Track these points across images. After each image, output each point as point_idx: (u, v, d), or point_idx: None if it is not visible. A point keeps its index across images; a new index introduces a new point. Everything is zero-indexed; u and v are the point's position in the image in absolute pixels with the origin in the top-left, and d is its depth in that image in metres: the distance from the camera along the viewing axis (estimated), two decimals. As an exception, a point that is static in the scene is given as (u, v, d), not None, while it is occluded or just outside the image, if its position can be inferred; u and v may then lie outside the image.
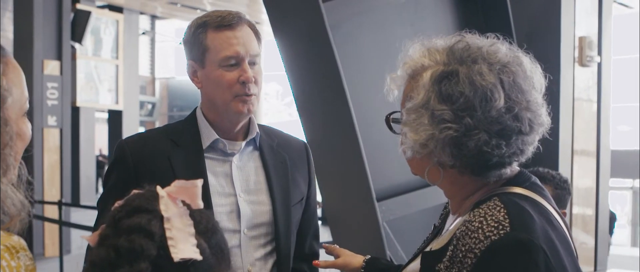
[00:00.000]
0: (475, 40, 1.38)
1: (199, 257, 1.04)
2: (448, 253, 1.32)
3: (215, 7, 17.49)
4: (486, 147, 1.31)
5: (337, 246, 1.92)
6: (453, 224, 1.43)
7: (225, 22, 1.80)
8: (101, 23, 14.52)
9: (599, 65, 3.85)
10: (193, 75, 1.88)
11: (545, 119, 1.37)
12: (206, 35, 1.80)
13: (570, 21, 3.64)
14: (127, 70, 15.82)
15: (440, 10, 3.49)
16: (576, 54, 3.68)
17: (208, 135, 1.87)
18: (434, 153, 1.35)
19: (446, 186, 1.43)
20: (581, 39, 3.69)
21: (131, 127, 16.42)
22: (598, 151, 3.95)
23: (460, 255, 1.28)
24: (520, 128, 1.32)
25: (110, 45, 15.05)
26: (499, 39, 1.41)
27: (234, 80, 1.79)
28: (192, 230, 1.07)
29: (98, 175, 17.68)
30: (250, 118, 1.91)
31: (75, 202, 12.24)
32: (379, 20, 3.20)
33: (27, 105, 1.16)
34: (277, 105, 27.76)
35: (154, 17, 20.89)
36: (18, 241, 1.06)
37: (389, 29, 3.24)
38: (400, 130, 1.43)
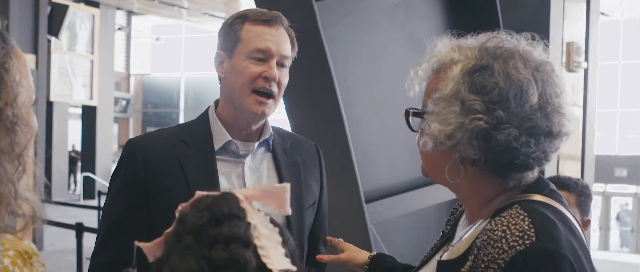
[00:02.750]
0: (508, 38, 1.35)
1: (293, 267, 0.97)
2: (468, 263, 1.28)
3: (192, 3, 17.38)
4: (515, 143, 1.27)
5: (342, 240, 1.88)
6: (468, 231, 1.39)
7: (264, 17, 1.77)
8: (77, 17, 14.35)
9: (586, 70, 3.87)
10: (219, 65, 1.83)
11: (570, 127, 1.34)
12: (242, 27, 1.77)
13: (558, 27, 3.66)
14: (102, 66, 15.66)
15: (430, 12, 3.48)
16: (564, 60, 3.70)
17: (220, 136, 1.82)
18: (458, 146, 1.30)
19: (464, 186, 1.38)
20: (569, 44, 3.72)
21: (105, 123, 16.25)
22: (583, 155, 3.98)
23: (482, 265, 1.24)
24: (550, 129, 1.29)
25: (86, 40, 14.89)
26: (534, 38, 1.38)
27: (257, 74, 1.75)
28: (279, 238, 0.99)
29: (70, 171, 17.46)
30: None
31: (47, 198, 12.05)
32: (371, 21, 3.18)
33: (34, 96, 1.10)
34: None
35: (130, 13, 20.70)
36: (29, 245, 1.00)
37: (380, 30, 3.23)
38: (420, 126, 1.40)
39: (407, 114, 1.43)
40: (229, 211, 0.97)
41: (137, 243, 1.02)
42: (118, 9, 18.53)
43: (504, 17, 3.51)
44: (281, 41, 1.77)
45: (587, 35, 3.89)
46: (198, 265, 0.92)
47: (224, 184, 1.79)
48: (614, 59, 17.39)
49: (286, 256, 0.97)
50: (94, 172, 16.04)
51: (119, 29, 19.84)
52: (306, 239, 1.91)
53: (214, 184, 1.75)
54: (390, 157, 3.25)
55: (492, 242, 1.23)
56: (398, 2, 3.28)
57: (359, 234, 3.01)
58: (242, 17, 1.78)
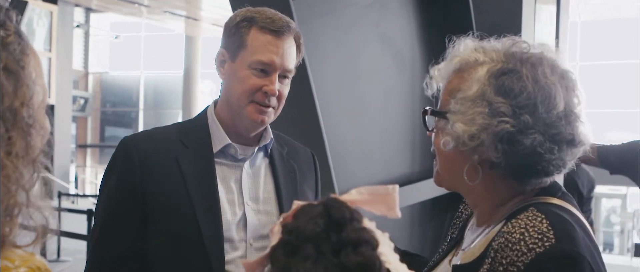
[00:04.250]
0: (533, 45, 1.38)
1: None
2: (485, 266, 1.28)
3: (152, 0, 17.17)
4: (540, 148, 1.28)
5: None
6: (481, 235, 1.39)
7: (273, 26, 1.71)
8: (35, 14, 14.06)
9: (556, 72, 3.91)
10: (220, 65, 1.78)
11: (590, 137, 1.36)
12: (249, 31, 1.71)
13: (530, 27, 3.69)
14: (60, 64, 15.37)
15: (404, 12, 3.49)
16: (534, 60, 3.73)
17: (220, 138, 1.77)
18: (481, 147, 1.30)
19: (479, 189, 1.38)
20: (539, 45, 3.74)
21: (63, 122, 15.95)
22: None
23: (501, 268, 1.24)
24: (573, 137, 1.31)
25: (44, 37, 14.59)
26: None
27: (257, 87, 1.70)
28: (392, 243, 0.94)
29: (26, 171, 17.09)
30: None
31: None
32: (346, 20, 3.17)
33: (48, 97, 1.02)
34: (210, 103, 27.52)
35: (89, 10, 20.35)
36: (41, 262, 0.91)
37: (355, 29, 3.22)
38: (436, 125, 1.39)
39: (424, 112, 1.42)
40: (350, 215, 0.92)
41: (242, 261, 0.96)
42: (76, 5, 18.19)
43: (477, 17, 3.53)
44: (286, 54, 1.72)
45: (557, 37, 3.94)
46: None
47: (222, 189, 1.74)
48: (572, 60, 17.81)
49: (400, 261, 0.94)
50: (51, 173, 15.71)
51: (78, 26, 19.48)
52: None
53: (212, 188, 1.72)
54: (365, 156, 3.24)
55: (510, 245, 1.23)
56: (372, 1, 3.28)
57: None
58: (250, 20, 1.72)
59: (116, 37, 21.33)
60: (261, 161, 1.84)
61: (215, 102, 1.84)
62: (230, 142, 1.76)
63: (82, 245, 7.94)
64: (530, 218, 1.26)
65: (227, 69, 1.75)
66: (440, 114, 1.38)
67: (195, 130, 1.79)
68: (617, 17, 15.95)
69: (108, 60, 23.15)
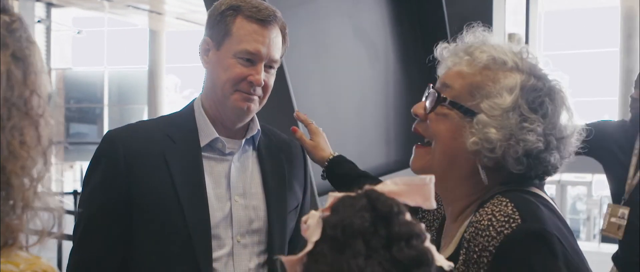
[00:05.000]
0: (541, 59, 1.44)
1: (451, 264, 0.90)
2: (460, 258, 1.31)
3: (116, -5, 16.94)
4: (558, 164, 1.38)
5: (314, 122, 1.98)
6: (457, 231, 1.40)
7: (259, 15, 1.67)
8: (-6, 9, 13.78)
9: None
10: (204, 53, 1.74)
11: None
12: (234, 20, 1.67)
13: (500, 18, 3.72)
14: (22, 60, 15.10)
15: (376, 3, 3.49)
16: (506, 50, 3.77)
17: (207, 132, 1.73)
18: (505, 156, 1.33)
19: (466, 186, 1.40)
20: (511, 35, 3.80)
21: (26, 120, 15.68)
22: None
23: (475, 256, 1.27)
24: (570, 153, 1.40)
25: (4, 32, 14.32)
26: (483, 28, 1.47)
27: (242, 76, 1.67)
28: (428, 234, 0.90)
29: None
30: None
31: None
32: (319, 11, 3.16)
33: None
34: (175, 98, 27.37)
35: (49, 5, 19.99)
36: (48, 265, 0.84)
37: (328, 20, 3.21)
38: (445, 112, 1.39)
39: (441, 99, 1.40)
40: (397, 208, 0.88)
41: (281, 257, 0.91)
42: (37, 0, 17.90)
43: (448, 7, 3.55)
44: (272, 44, 1.69)
45: (527, 27, 3.98)
46: (383, 269, 0.83)
47: (209, 184, 1.70)
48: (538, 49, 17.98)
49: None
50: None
51: (39, 21, 19.15)
52: (287, 243, 1.83)
53: (200, 183, 1.68)
54: (340, 147, 3.22)
55: (479, 232, 1.27)
56: (346, -8, 3.28)
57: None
58: (236, 9, 1.68)
59: (79, 33, 21.01)
60: (249, 154, 1.80)
61: (202, 95, 1.80)
62: (217, 136, 1.73)
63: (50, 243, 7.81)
64: (495, 204, 1.30)
65: (212, 57, 1.72)
66: (467, 111, 1.37)
67: (182, 123, 1.75)
68: (578, 7, 16.21)
69: (71, 56, 22.79)
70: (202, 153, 1.72)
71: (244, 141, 1.77)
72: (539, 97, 1.34)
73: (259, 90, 1.70)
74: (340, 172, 1.86)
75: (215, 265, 1.68)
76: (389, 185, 0.92)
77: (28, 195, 0.79)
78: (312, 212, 0.91)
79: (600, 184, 17.42)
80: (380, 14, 3.49)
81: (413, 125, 1.48)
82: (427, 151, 1.44)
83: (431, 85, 1.46)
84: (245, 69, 1.67)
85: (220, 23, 1.69)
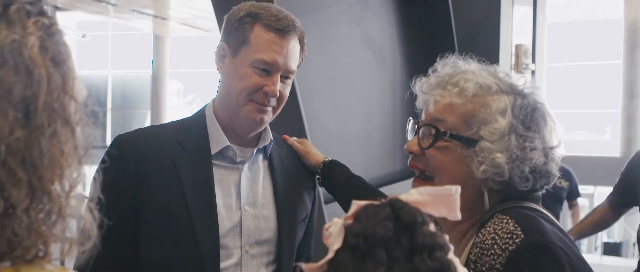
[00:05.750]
0: (520, 78, 1.51)
1: None
2: None
3: (121, -1, 16.98)
4: (557, 174, 1.42)
5: (306, 141, 1.95)
6: (462, 253, 1.41)
7: (278, 24, 1.63)
8: None
9: (533, 72, 3.97)
10: (220, 59, 1.70)
11: None
12: (252, 28, 1.63)
13: (508, 28, 3.73)
14: (26, 63, 15.10)
15: (384, 11, 3.50)
16: (513, 61, 3.78)
17: (218, 140, 1.69)
18: (513, 178, 1.36)
19: (470, 209, 1.40)
20: (518, 46, 3.80)
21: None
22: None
23: None
24: (559, 157, 1.43)
25: (9, 35, 14.33)
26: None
27: (258, 86, 1.63)
28: (451, 246, 0.88)
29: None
30: None
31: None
32: (327, 19, 3.17)
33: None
34: (178, 104, 27.36)
35: (54, 8, 20.03)
36: None
37: (337, 28, 3.22)
38: (446, 145, 1.41)
39: (441, 133, 1.41)
40: (421, 219, 0.86)
41: (301, 265, 0.88)
42: (42, 4, 17.91)
43: (456, 17, 3.56)
44: (290, 55, 1.65)
45: (533, 38, 3.99)
46: None
47: (219, 193, 1.67)
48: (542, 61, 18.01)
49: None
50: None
51: (43, 24, 19.20)
52: (295, 254, 1.80)
53: (209, 192, 1.64)
54: (347, 156, 3.22)
55: (484, 251, 1.29)
56: (354, 0, 3.28)
57: (319, 235, 2.98)
58: (255, 16, 1.64)
59: (83, 36, 21.05)
60: (260, 163, 1.77)
61: (214, 101, 1.76)
62: (229, 144, 1.69)
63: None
64: (496, 223, 1.32)
65: (228, 64, 1.68)
66: (469, 141, 1.39)
67: (192, 130, 1.71)
68: (581, 19, 16.22)
69: (75, 59, 22.79)
70: (213, 161, 1.69)
71: (255, 150, 1.74)
72: (528, 114, 1.38)
73: (273, 101, 1.67)
74: (335, 175, 1.86)
75: None
76: (413, 194, 0.90)
77: (63, 203, 0.77)
78: (335, 220, 0.90)
79: (601, 197, 17.36)
80: (388, 22, 3.49)
81: (409, 162, 1.49)
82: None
83: (413, 120, 1.48)
84: (260, 79, 1.63)
85: (237, 30, 1.66)
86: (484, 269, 1.29)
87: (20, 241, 0.71)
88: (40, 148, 0.74)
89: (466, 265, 1.34)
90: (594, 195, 15.64)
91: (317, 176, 1.92)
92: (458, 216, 0.90)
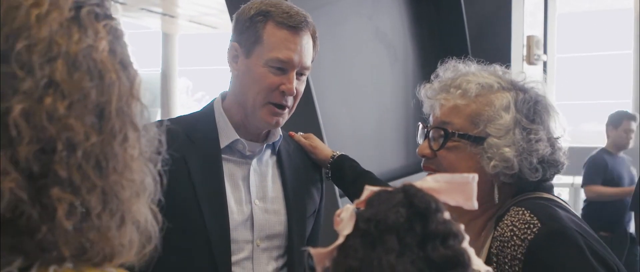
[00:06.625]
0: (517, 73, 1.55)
1: (488, 268, 0.88)
2: (493, 270, 1.38)
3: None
4: (565, 161, 1.47)
5: (312, 135, 1.93)
6: (483, 248, 1.46)
7: (291, 21, 1.61)
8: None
9: (545, 63, 3.96)
10: (232, 59, 1.68)
11: None
12: (265, 26, 1.61)
13: (519, 20, 3.72)
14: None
15: (395, 6, 3.50)
16: (524, 53, 3.77)
17: (227, 134, 1.68)
18: (523, 170, 1.41)
19: (483, 203, 1.44)
20: (529, 38, 3.79)
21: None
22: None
23: (507, 267, 1.35)
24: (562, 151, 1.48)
25: None
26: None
27: (275, 85, 1.62)
28: (467, 236, 0.85)
29: None
30: None
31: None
32: (339, 13, 3.17)
33: None
34: (187, 101, 27.34)
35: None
36: None
37: (348, 22, 3.22)
38: (456, 146, 1.46)
39: (450, 134, 1.47)
40: (435, 205, 0.83)
41: (310, 249, 0.85)
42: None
43: (467, 9, 3.55)
44: (305, 51, 1.64)
45: (545, 29, 3.98)
46: (416, 267, 0.78)
47: (229, 187, 1.66)
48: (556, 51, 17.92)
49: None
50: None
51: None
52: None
53: (219, 185, 1.64)
54: (360, 150, 3.24)
55: (505, 244, 1.35)
56: (366, -5, 3.29)
57: (326, 230, 2.99)
58: (266, 14, 1.62)
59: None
60: (269, 158, 1.76)
61: (223, 96, 1.75)
62: (238, 137, 1.68)
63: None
64: (513, 215, 1.37)
65: (241, 65, 1.66)
66: (476, 139, 1.44)
67: (201, 124, 1.70)
68: (591, 9, 16.14)
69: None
70: (222, 155, 1.67)
71: (265, 145, 1.73)
72: (531, 108, 1.43)
73: (290, 100, 1.65)
74: (346, 170, 1.86)
75: (234, 269, 1.65)
76: (428, 181, 0.88)
77: (132, 208, 0.77)
78: (347, 205, 0.87)
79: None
80: (399, 16, 3.49)
81: (422, 165, 1.54)
82: None
83: (422, 125, 1.53)
84: (276, 78, 1.62)
85: (249, 29, 1.63)
86: (506, 260, 1.34)
87: (92, 246, 0.72)
88: (114, 153, 0.74)
89: (488, 259, 1.39)
90: (574, 184, 15.57)
91: (326, 171, 1.92)
92: (474, 204, 0.88)
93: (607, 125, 5.06)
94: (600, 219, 4.74)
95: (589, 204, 5.04)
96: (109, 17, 0.79)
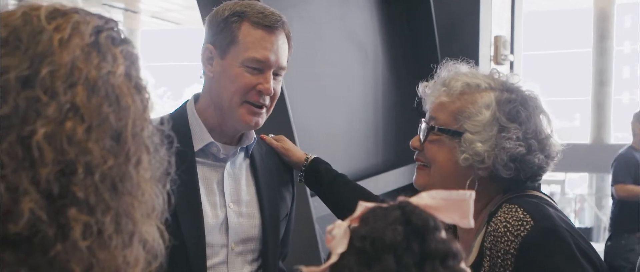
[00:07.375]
0: (511, 76, 1.63)
1: None
2: (485, 264, 1.47)
3: (91, -7, 16.76)
4: (545, 165, 1.52)
5: (283, 137, 1.94)
6: (475, 241, 1.54)
7: (266, 21, 1.61)
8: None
9: (512, 63, 4.02)
10: (207, 61, 1.66)
11: (558, 148, 1.59)
12: (240, 26, 1.60)
13: (487, 21, 3.77)
14: None
15: (366, 6, 3.51)
16: (492, 53, 3.82)
17: (201, 136, 1.66)
18: (495, 165, 1.48)
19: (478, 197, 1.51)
20: (497, 38, 3.84)
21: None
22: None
23: (499, 261, 1.44)
24: (554, 153, 1.54)
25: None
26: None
27: (251, 85, 1.61)
28: (463, 253, 0.83)
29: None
30: None
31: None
32: (310, 13, 3.17)
33: None
34: (150, 97, 27.09)
35: (20, 2, 19.73)
36: None
37: (319, 23, 3.23)
38: (438, 139, 1.55)
39: (431, 128, 1.57)
40: (433, 223, 0.80)
41: (302, 268, 0.81)
42: None
43: (436, 10, 3.59)
44: (280, 51, 1.64)
45: (512, 30, 4.03)
46: None
47: (203, 190, 1.65)
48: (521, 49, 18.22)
49: None
50: None
51: (11, 19, 18.90)
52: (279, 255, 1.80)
53: (194, 189, 1.63)
54: (331, 150, 3.25)
55: (498, 239, 1.44)
56: (336, -5, 3.29)
57: (305, 228, 2.99)
58: (241, 15, 1.62)
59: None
60: (242, 161, 1.75)
61: (196, 97, 1.73)
62: (212, 140, 1.66)
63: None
64: (506, 212, 1.46)
65: (216, 66, 1.65)
66: (454, 133, 1.54)
67: (174, 127, 1.66)
68: (552, 8, 16.43)
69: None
70: (196, 158, 1.66)
71: (238, 148, 1.72)
72: (514, 107, 1.50)
73: (267, 100, 1.65)
74: (321, 174, 1.88)
75: None
76: (425, 198, 0.84)
77: (143, 230, 0.77)
78: (339, 222, 0.83)
79: (572, 183, 17.64)
80: (369, 16, 3.51)
81: (415, 157, 1.65)
82: (427, 172, 1.61)
83: (423, 120, 1.63)
84: (253, 77, 1.61)
85: (224, 30, 1.62)
86: (499, 254, 1.44)
87: (99, 265, 0.72)
88: (129, 175, 0.75)
89: (481, 252, 1.48)
90: (565, 181, 15.89)
91: (299, 174, 1.92)
92: (471, 223, 0.85)
93: (633, 122, 4.87)
94: (633, 219, 4.55)
95: (620, 203, 4.83)
96: (125, 41, 0.80)
